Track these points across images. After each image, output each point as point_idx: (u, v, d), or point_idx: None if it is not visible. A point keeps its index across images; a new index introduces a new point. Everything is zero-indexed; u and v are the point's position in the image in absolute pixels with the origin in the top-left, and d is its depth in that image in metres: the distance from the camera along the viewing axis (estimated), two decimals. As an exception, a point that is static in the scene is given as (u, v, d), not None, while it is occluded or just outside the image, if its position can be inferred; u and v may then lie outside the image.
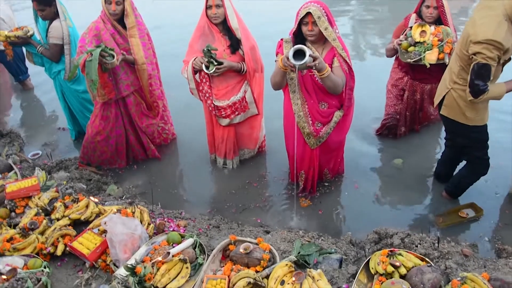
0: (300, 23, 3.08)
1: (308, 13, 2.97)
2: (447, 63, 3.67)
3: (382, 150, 4.51)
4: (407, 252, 2.56)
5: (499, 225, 3.44)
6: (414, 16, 4.05)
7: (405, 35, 3.97)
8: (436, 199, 3.76)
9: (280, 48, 3.26)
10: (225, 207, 3.84)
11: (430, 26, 3.87)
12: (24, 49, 4.68)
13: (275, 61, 3.23)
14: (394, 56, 4.32)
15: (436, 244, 2.78)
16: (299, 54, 2.78)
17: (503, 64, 2.97)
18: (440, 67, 3.85)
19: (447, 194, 3.72)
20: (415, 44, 3.89)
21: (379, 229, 3.04)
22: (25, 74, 6.61)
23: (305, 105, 3.32)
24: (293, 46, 3.16)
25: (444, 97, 3.22)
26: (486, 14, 2.76)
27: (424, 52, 3.82)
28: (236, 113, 3.89)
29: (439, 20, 3.94)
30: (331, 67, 3.15)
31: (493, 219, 3.51)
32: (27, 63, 5.91)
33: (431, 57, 3.80)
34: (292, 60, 2.77)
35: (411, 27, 3.94)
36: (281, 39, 3.28)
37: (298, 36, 3.19)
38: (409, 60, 3.88)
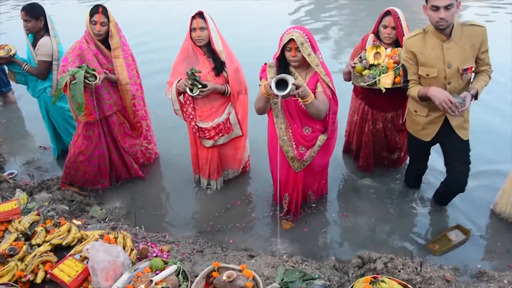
0: (284, 48, 3.11)
1: (291, 39, 3.00)
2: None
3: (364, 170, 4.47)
4: (390, 278, 2.57)
5: (482, 248, 3.47)
6: (372, 36, 3.83)
7: (360, 57, 3.73)
8: (421, 222, 3.80)
9: (264, 72, 3.29)
10: (208, 229, 3.82)
11: (386, 48, 3.65)
12: (5, 67, 4.62)
13: (259, 85, 3.25)
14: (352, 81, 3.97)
15: (419, 269, 2.81)
16: (282, 82, 2.80)
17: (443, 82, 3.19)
18: (398, 93, 3.63)
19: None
20: (370, 67, 3.64)
21: (363, 254, 3.05)
22: (8, 87, 6.55)
23: (289, 129, 3.33)
24: (277, 70, 3.20)
25: None
26: None
27: (379, 75, 3.55)
28: (220, 134, 3.90)
29: (397, 42, 3.71)
30: (315, 92, 3.19)
31: (475, 241, 3.54)
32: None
33: (386, 81, 3.52)
34: (275, 90, 2.78)
35: (366, 50, 3.72)
36: (265, 64, 3.31)
37: (282, 61, 3.21)
38: (362, 83, 3.61)
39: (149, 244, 3.21)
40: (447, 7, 2.87)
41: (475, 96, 3.14)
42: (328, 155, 3.59)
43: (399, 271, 2.79)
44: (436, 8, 2.90)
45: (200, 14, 3.53)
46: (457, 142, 3.42)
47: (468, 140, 3.42)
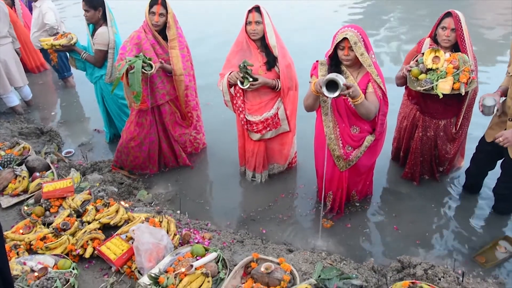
0: (336, 47, 3.10)
1: (345, 38, 2.99)
2: (463, 94, 3.36)
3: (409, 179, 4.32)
4: (429, 285, 2.54)
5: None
6: (428, 40, 3.65)
7: (416, 61, 3.56)
8: (467, 231, 3.67)
9: (315, 70, 3.29)
10: (244, 216, 3.89)
11: (445, 52, 3.45)
12: (67, 54, 4.86)
13: (309, 82, 3.26)
14: (405, 86, 3.82)
15: (461, 279, 2.75)
16: (332, 82, 2.79)
17: None
18: (455, 99, 3.55)
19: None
20: (427, 71, 3.45)
21: (403, 258, 3.02)
22: (70, 71, 6.91)
23: (337, 128, 3.33)
24: (328, 68, 3.20)
25: None
26: None
27: (437, 80, 3.36)
28: (268, 128, 3.94)
29: (456, 47, 3.52)
30: (365, 92, 3.16)
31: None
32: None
33: (444, 86, 3.33)
34: (325, 92, 2.79)
35: (423, 53, 3.53)
36: (317, 61, 3.31)
37: (334, 59, 3.20)
38: (419, 88, 3.43)
39: (191, 230, 3.31)
40: None
41: None
42: (374, 156, 3.54)
43: (439, 279, 2.73)
44: None
45: (256, 8, 3.57)
46: (507, 157, 3.33)
47: None
